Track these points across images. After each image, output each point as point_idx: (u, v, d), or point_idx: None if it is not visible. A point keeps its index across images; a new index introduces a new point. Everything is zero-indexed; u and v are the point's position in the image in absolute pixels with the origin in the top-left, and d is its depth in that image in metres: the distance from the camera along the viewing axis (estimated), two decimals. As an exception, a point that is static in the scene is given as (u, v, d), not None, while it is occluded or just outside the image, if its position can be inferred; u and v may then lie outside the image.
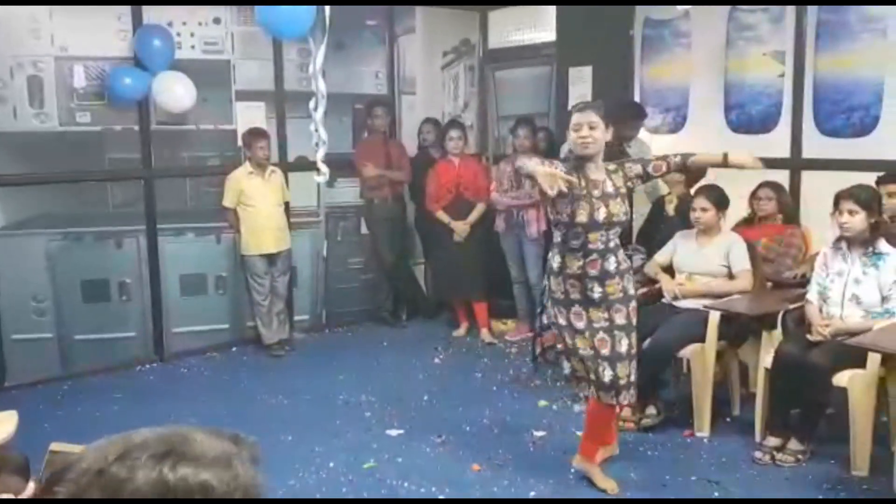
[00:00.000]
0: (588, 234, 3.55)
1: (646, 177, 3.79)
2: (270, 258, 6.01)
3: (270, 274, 6.04)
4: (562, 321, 3.67)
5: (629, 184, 3.72)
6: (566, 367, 3.74)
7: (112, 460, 0.89)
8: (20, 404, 4.93)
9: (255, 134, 5.87)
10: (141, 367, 5.80)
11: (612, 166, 3.71)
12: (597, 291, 3.60)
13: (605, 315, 3.61)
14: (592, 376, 3.63)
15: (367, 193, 6.48)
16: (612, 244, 3.62)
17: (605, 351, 3.59)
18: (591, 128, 3.55)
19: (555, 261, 3.66)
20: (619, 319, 3.63)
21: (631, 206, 3.78)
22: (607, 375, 3.59)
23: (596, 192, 3.57)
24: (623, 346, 3.62)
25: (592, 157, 3.60)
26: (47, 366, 5.51)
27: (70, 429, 4.58)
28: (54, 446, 1.83)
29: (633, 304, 3.71)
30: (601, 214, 3.54)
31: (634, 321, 3.69)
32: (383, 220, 6.52)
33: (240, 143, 6.05)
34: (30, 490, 1.91)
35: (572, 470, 3.94)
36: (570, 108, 5.89)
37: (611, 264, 3.61)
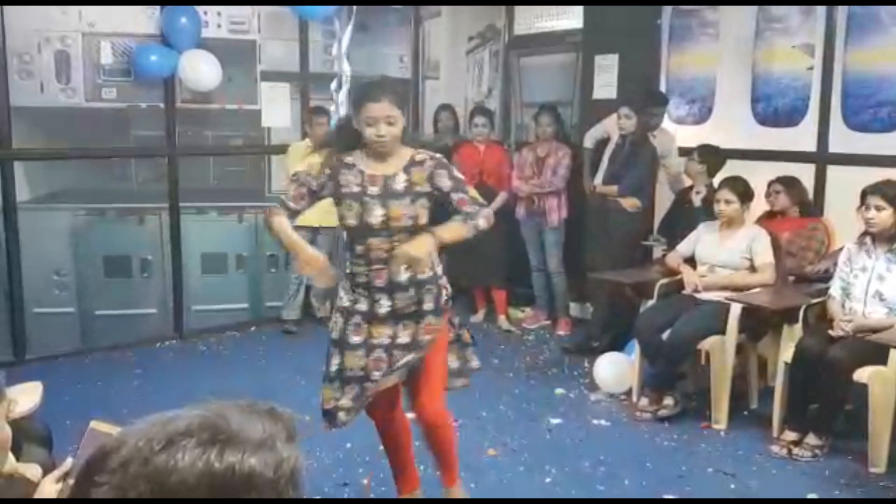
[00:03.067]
0: (367, 238, 3.00)
1: (443, 197, 3.03)
2: (314, 232, 6.00)
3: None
4: (335, 335, 3.15)
5: (434, 190, 3.01)
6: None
7: (158, 449, 0.85)
8: (40, 377, 4.98)
9: (316, 112, 5.88)
10: (160, 344, 5.83)
11: (421, 155, 3.05)
12: (384, 305, 3.05)
13: (389, 332, 3.07)
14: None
15: None
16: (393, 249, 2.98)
17: (377, 374, 3.08)
18: (390, 123, 2.93)
19: (347, 265, 3.15)
20: (403, 338, 3.08)
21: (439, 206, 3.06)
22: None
23: (373, 190, 2.97)
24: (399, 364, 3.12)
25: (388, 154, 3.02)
26: (68, 340, 5.58)
27: (89, 403, 4.61)
28: (94, 424, 1.82)
29: (429, 320, 3.09)
30: (376, 217, 2.96)
31: (424, 338, 3.10)
32: None
33: (264, 123, 6.11)
34: (67, 465, 1.91)
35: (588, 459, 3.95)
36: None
37: (400, 274, 3.01)
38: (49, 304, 5.53)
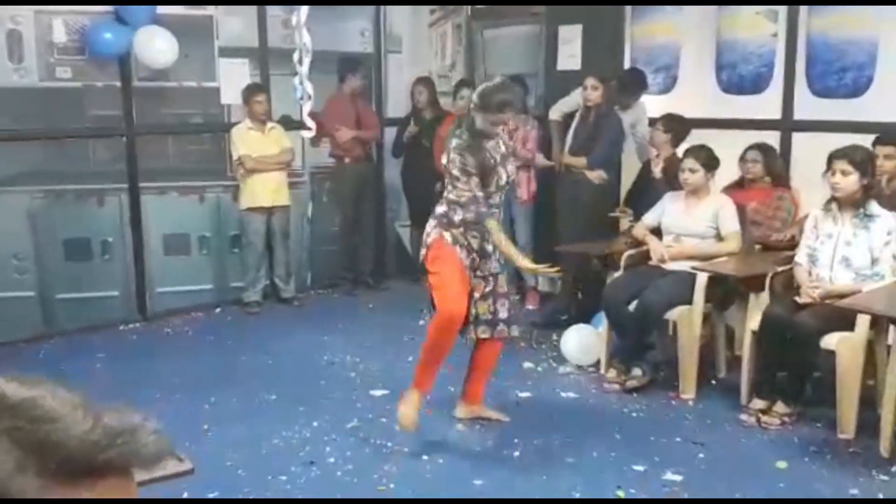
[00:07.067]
0: (493, 195, 3.80)
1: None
2: (268, 212, 5.97)
3: (267, 230, 6.01)
4: (466, 263, 3.81)
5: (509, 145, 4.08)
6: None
7: None
8: (1, 362, 4.92)
9: (252, 89, 5.89)
10: (124, 327, 5.74)
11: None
12: (491, 244, 3.83)
13: (490, 266, 3.88)
14: (489, 315, 3.88)
15: (338, 153, 6.36)
16: (502, 197, 3.96)
17: (501, 289, 3.92)
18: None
19: (456, 214, 3.79)
20: (495, 268, 3.91)
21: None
22: (503, 312, 3.90)
23: (498, 158, 3.80)
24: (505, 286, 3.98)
25: None
26: (29, 324, 5.45)
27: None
28: None
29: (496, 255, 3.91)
30: (503, 178, 3.81)
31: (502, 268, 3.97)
32: (353, 180, 6.37)
33: (223, 100, 6.01)
34: None
35: (557, 433, 3.92)
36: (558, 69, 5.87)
37: (502, 217, 4.01)
38: (8, 288, 5.40)
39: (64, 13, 5.37)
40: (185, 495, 3.26)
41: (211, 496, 3.36)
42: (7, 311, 5.36)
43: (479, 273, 3.86)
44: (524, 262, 3.87)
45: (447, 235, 3.80)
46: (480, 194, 3.71)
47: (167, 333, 5.67)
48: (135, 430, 0.73)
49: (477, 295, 3.86)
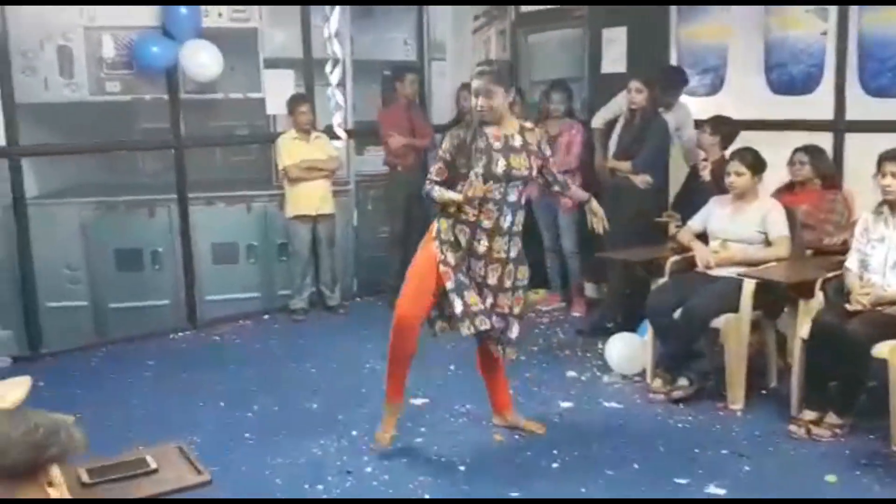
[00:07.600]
0: (491, 185, 3.56)
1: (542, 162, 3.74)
2: (313, 221, 6.03)
3: (312, 238, 6.07)
4: (451, 261, 3.62)
5: (542, 149, 3.73)
6: (458, 305, 3.60)
7: None
8: (55, 371, 5.05)
9: (296, 100, 5.96)
10: (174, 336, 5.83)
11: (529, 125, 3.77)
12: (482, 245, 3.62)
13: (482, 272, 3.65)
14: (496, 332, 3.76)
15: (391, 160, 6.37)
16: (510, 198, 3.62)
17: (501, 309, 3.73)
18: (488, 97, 3.56)
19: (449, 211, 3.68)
20: (491, 279, 3.68)
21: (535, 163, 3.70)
22: (499, 325, 3.74)
23: (497, 145, 3.59)
24: (508, 307, 3.76)
25: (495, 122, 3.62)
26: (82, 333, 5.57)
27: (102, 395, 4.65)
28: None
29: (510, 267, 3.71)
30: (500, 167, 3.55)
31: (508, 283, 3.72)
32: (406, 188, 6.30)
33: (268, 111, 6.08)
34: None
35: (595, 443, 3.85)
36: (602, 71, 5.80)
37: (506, 220, 3.62)
38: (62, 297, 5.53)
39: (112, 28, 5.48)
40: None
41: (246, 506, 3.38)
42: (60, 320, 5.48)
43: (471, 275, 3.66)
44: (459, 196, 3.54)
45: (436, 225, 3.67)
46: (437, 179, 3.63)
47: (216, 341, 5.74)
48: (64, 425, 0.79)
49: (471, 303, 3.62)
